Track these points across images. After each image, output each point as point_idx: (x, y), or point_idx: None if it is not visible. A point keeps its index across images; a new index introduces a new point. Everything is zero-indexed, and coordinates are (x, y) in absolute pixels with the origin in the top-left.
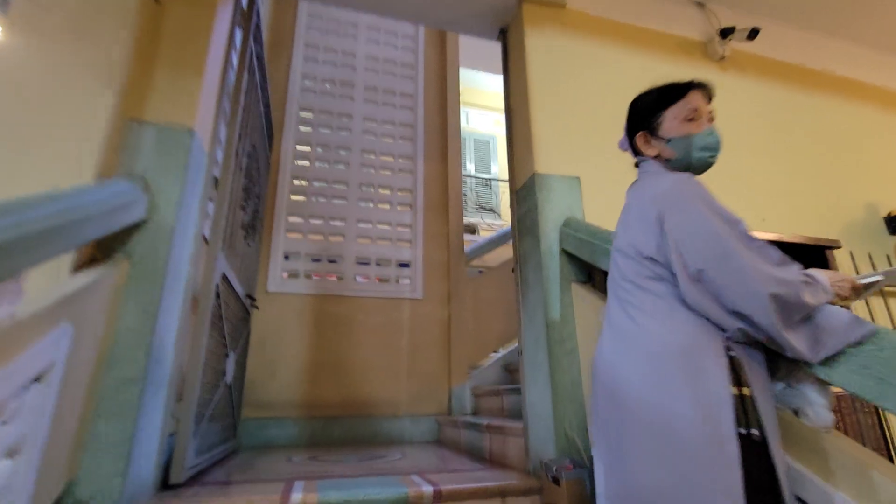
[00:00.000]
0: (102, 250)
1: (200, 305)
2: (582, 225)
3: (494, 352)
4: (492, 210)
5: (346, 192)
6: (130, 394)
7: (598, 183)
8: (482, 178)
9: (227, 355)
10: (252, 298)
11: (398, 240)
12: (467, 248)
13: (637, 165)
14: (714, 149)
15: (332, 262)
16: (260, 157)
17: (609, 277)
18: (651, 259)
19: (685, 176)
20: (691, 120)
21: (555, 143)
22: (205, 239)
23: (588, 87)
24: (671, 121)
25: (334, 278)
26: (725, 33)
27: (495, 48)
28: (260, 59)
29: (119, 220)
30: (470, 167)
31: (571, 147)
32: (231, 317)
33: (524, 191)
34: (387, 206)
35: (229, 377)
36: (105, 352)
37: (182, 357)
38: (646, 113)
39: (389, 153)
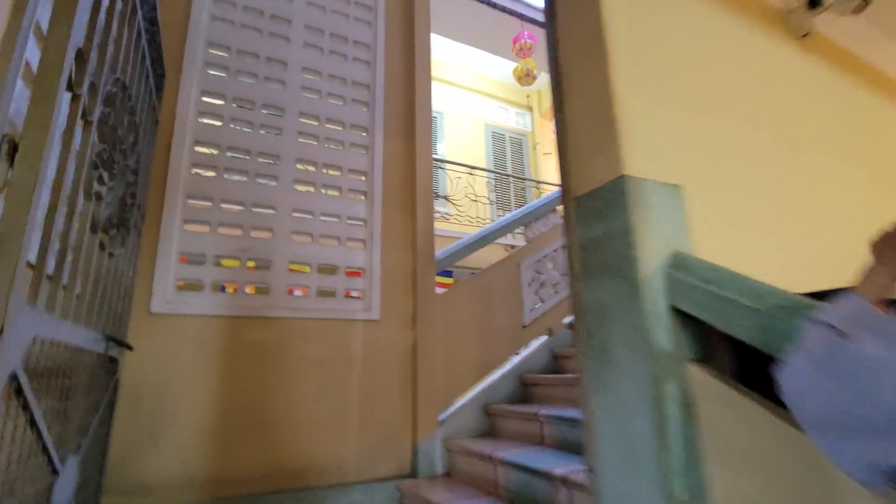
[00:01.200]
0: None
1: None
2: (723, 274)
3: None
4: (445, 198)
5: (276, 170)
6: None
7: (706, 196)
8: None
9: (56, 472)
10: (118, 342)
11: (348, 239)
12: (439, 251)
13: None
14: None
15: (254, 267)
16: (138, 108)
17: None
18: None
19: None
20: None
21: (650, 129)
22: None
23: (678, 47)
24: None
25: (256, 291)
26: (814, 2)
27: (443, 6)
28: None
29: None
30: None
31: (670, 137)
32: (76, 396)
33: (596, 202)
34: (334, 193)
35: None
36: None
37: None
38: None
39: (338, 120)
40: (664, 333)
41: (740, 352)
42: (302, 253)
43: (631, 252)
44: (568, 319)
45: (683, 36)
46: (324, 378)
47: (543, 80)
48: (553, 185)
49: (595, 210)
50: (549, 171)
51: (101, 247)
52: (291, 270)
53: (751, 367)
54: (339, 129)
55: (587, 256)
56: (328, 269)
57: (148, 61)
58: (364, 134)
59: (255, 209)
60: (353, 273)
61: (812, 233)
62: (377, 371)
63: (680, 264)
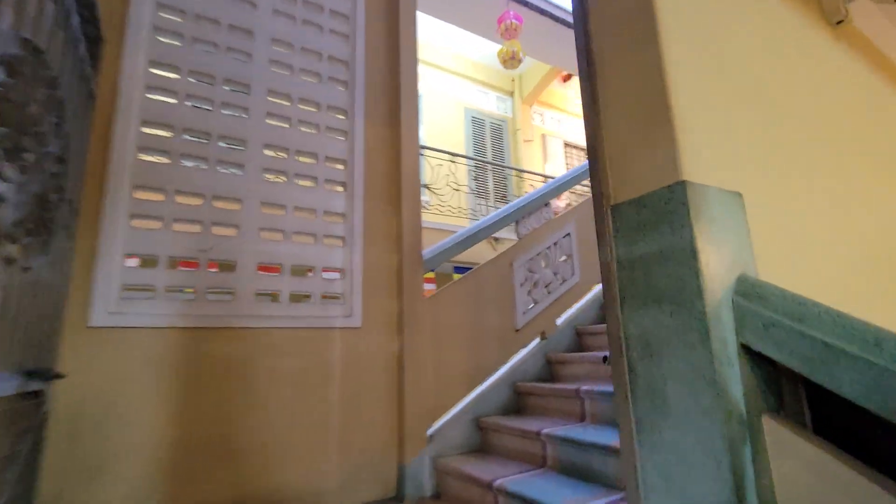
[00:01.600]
0: None
1: None
2: (815, 309)
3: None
4: (425, 186)
5: (241, 156)
6: None
7: (764, 207)
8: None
9: None
10: (41, 374)
11: (326, 236)
12: (426, 249)
13: None
14: None
15: (217, 269)
16: (62, 79)
17: None
18: None
19: None
20: None
21: (709, 123)
22: None
23: (723, 22)
24: None
25: (219, 298)
26: None
27: None
28: None
29: None
30: None
31: (727, 133)
32: None
33: (642, 211)
34: (309, 184)
35: None
36: None
37: None
38: None
39: (313, 101)
40: (735, 379)
41: (812, 393)
42: (272, 252)
43: (693, 276)
44: (561, 320)
45: (727, 10)
46: (298, 395)
47: (527, 63)
48: (536, 174)
49: (641, 222)
50: (529, 159)
51: (8, 261)
52: (260, 272)
53: (822, 409)
54: (314, 110)
55: (630, 278)
56: (303, 271)
57: (76, 21)
58: (342, 117)
59: (216, 202)
60: (332, 275)
61: (870, 254)
62: (359, 384)
63: (750, 292)
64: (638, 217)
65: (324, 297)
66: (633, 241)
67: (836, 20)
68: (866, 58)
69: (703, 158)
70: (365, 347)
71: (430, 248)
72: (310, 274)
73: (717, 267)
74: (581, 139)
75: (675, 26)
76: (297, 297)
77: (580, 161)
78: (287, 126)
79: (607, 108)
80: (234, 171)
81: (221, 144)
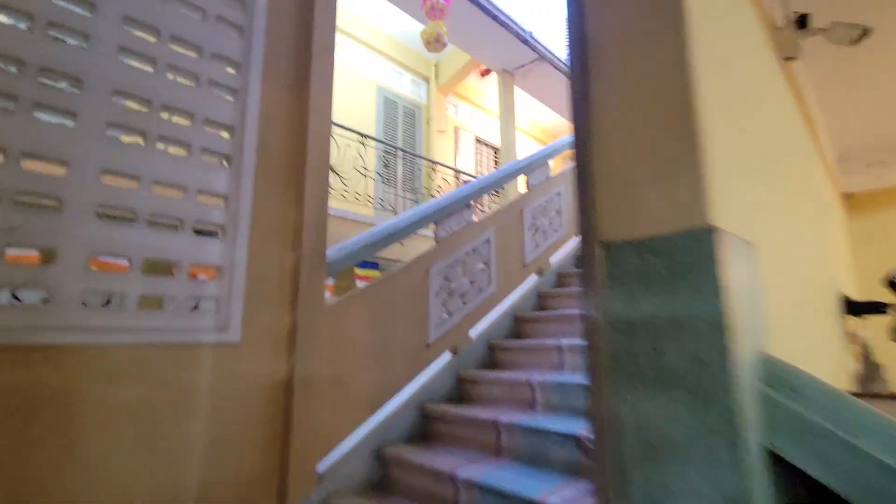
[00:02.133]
0: None
1: None
2: (874, 419)
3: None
4: (330, 168)
5: (75, 102)
6: None
7: (774, 261)
8: None
9: None
10: None
11: (198, 222)
12: (331, 248)
13: None
14: None
15: (23, 259)
16: None
17: None
18: None
19: None
20: None
21: (730, 153)
22: None
23: (722, 36)
24: None
25: (27, 301)
26: (803, 22)
27: None
28: None
29: None
30: None
31: (746, 178)
32: None
33: (649, 258)
34: (178, 152)
35: None
36: None
37: None
38: None
39: (192, 42)
40: (764, 500)
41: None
42: (115, 240)
43: (721, 359)
44: (474, 333)
45: (720, 16)
46: (144, 436)
47: (447, 50)
48: (451, 168)
49: (647, 272)
50: (441, 151)
51: None
52: (95, 267)
53: None
54: (193, 55)
55: (628, 346)
56: (160, 268)
57: None
58: (232, 71)
59: (27, 161)
60: (203, 274)
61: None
62: (232, 417)
63: (779, 380)
64: (642, 265)
65: (190, 303)
66: (632, 296)
67: (786, 56)
68: (796, 98)
69: (731, 198)
70: (244, 369)
71: (336, 246)
72: (172, 272)
73: (744, 345)
74: (493, 138)
75: (704, 37)
76: (149, 303)
77: (491, 160)
78: (150, 70)
79: (605, 115)
80: (62, 120)
81: (45, 81)
